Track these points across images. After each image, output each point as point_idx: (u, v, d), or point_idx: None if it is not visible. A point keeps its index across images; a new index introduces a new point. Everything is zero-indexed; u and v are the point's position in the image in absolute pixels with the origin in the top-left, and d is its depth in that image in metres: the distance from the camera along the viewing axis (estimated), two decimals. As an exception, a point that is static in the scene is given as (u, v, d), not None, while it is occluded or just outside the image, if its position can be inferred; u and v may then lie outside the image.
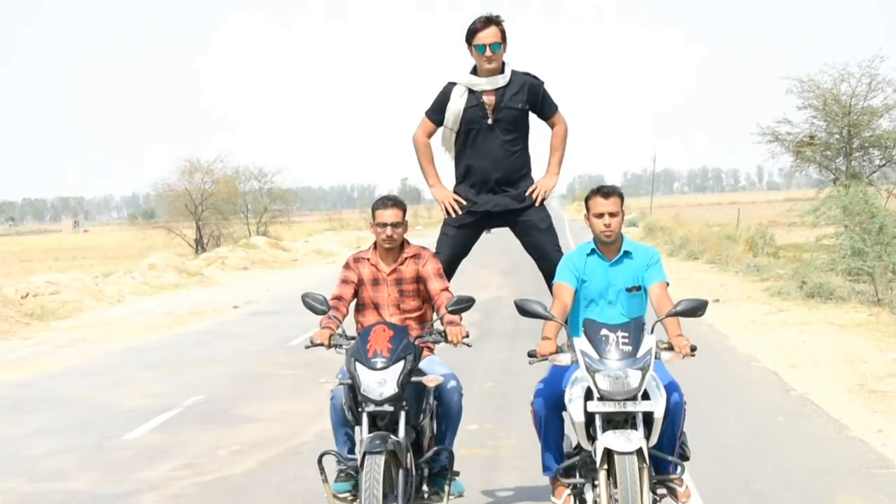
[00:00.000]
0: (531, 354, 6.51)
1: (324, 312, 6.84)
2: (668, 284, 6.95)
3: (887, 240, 20.36)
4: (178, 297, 27.90)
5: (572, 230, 51.51)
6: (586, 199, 7.04)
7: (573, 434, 6.43)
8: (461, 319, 7.08)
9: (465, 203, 8.31)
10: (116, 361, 16.43)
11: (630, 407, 6.05)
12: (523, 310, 6.51)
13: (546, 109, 8.43)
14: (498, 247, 25.37)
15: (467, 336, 6.92)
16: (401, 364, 6.41)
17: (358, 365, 6.41)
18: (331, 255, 45.70)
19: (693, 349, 6.38)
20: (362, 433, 6.46)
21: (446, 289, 7.34)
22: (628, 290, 6.93)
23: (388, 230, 7.19)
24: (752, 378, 12.83)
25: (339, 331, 6.84)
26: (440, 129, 8.43)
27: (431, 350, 7.37)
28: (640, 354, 6.10)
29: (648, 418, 6.16)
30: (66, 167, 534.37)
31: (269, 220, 58.42)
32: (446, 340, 6.87)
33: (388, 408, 6.37)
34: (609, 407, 6.05)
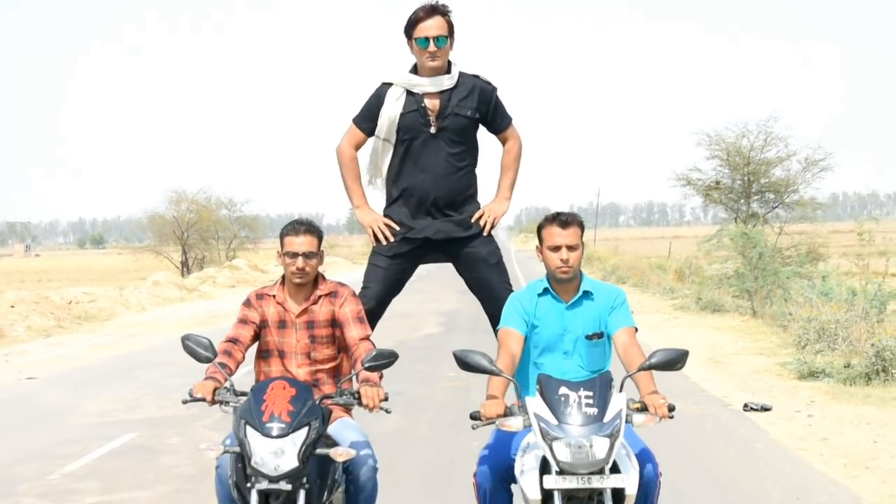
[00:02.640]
0: (474, 417, 5.46)
1: (208, 360, 5.59)
2: (636, 330, 5.90)
3: (763, 265, 26.05)
4: (190, 307, 33.29)
5: (519, 261, 56.72)
6: (539, 228, 5.99)
7: None
8: (381, 378, 5.85)
9: (397, 228, 7.07)
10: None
11: (596, 482, 5.02)
12: (464, 363, 5.47)
13: (498, 121, 7.19)
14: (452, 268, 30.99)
15: (385, 399, 5.66)
16: (303, 432, 5.18)
17: (249, 430, 5.18)
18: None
19: (671, 409, 5.35)
20: None
21: (366, 338, 6.12)
22: (588, 337, 5.90)
23: (300, 261, 6.02)
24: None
25: (227, 384, 5.59)
26: (370, 141, 7.20)
27: (347, 411, 6.17)
28: (607, 418, 5.07)
29: (618, 495, 5.13)
30: (9, 192, 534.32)
31: (238, 245, 63.48)
32: (360, 403, 5.64)
33: (284, 485, 5.16)
34: (571, 483, 5.02)
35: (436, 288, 34.74)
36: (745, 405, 12.65)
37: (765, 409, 12.45)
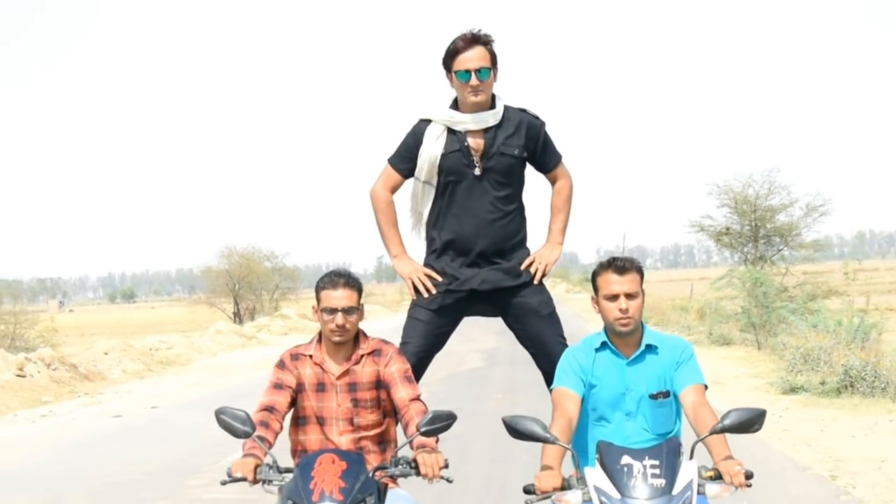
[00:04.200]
0: (528, 491, 4.92)
1: (247, 435, 5.08)
2: (706, 388, 5.48)
3: (768, 303, 29.52)
4: (256, 351, 36.86)
5: None
6: (593, 276, 5.53)
7: None
8: (437, 442, 5.30)
9: (439, 279, 6.59)
10: (267, 379, 25.41)
11: None
12: (515, 430, 4.95)
13: (547, 159, 6.68)
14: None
15: (446, 466, 5.16)
16: None
17: None
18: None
19: (748, 476, 4.83)
20: None
21: (417, 398, 5.64)
22: (652, 396, 5.45)
23: (339, 318, 5.55)
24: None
25: (268, 460, 5.10)
26: (408, 183, 6.72)
27: (394, 481, 5.50)
28: (676, 490, 4.57)
29: None
30: (38, 249, 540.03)
31: (280, 296, 67.25)
32: (417, 473, 5.11)
33: None
34: None
35: (472, 329, 37.78)
36: (705, 387, 16.01)
37: (749, 415, 15.93)
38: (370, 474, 4.96)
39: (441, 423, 5.08)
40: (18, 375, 24.15)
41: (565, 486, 4.86)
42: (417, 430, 5.12)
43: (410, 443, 5.27)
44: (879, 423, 14.41)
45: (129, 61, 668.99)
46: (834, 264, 40.53)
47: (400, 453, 5.27)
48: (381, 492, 5.02)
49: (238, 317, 59.71)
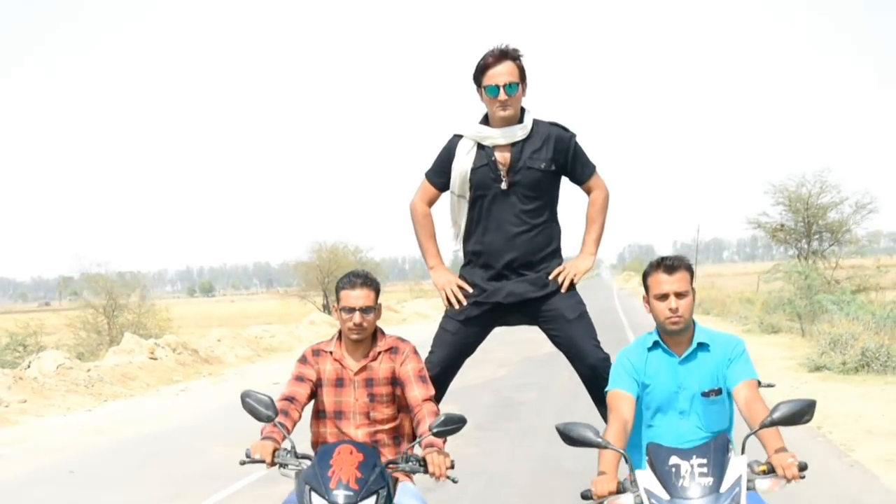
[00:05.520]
0: (585, 496, 4.90)
1: (270, 419, 5.33)
2: (759, 383, 5.48)
3: (812, 294, 32.48)
4: (349, 340, 40.64)
5: (620, 297, 62.07)
6: (644, 276, 5.51)
7: None
8: (444, 443, 5.53)
9: (471, 290, 6.72)
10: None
11: None
12: (569, 437, 4.96)
13: (579, 170, 6.67)
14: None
15: (452, 467, 5.32)
16: (371, 500, 4.88)
17: (314, 497, 4.85)
18: (429, 317, 57.66)
19: (802, 468, 4.73)
20: None
21: (430, 399, 5.82)
22: (705, 394, 5.43)
23: (357, 316, 5.73)
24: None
25: (286, 444, 5.32)
26: (447, 195, 6.80)
27: (409, 476, 5.83)
28: (724, 487, 4.55)
29: None
30: (117, 243, 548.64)
31: (364, 288, 70.74)
32: (425, 471, 5.32)
33: None
34: None
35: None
36: (758, 382, 19.20)
37: (769, 385, 18.50)
38: (384, 468, 5.13)
39: (453, 425, 5.28)
40: (151, 358, 28.07)
41: (620, 490, 4.85)
42: (430, 430, 5.31)
43: (420, 441, 5.43)
44: (873, 392, 17.59)
45: (210, 55, 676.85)
46: (890, 258, 43.45)
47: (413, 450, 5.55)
48: (392, 487, 5.19)
49: (327, 308, 63.39)
